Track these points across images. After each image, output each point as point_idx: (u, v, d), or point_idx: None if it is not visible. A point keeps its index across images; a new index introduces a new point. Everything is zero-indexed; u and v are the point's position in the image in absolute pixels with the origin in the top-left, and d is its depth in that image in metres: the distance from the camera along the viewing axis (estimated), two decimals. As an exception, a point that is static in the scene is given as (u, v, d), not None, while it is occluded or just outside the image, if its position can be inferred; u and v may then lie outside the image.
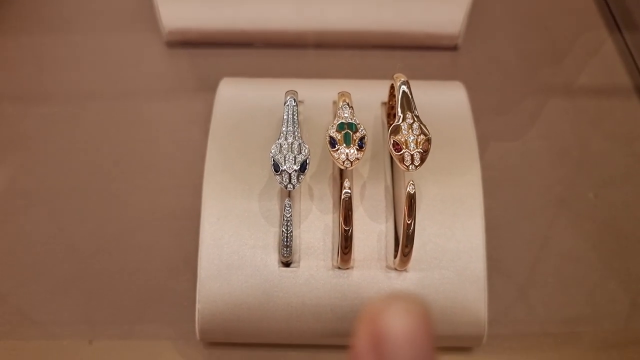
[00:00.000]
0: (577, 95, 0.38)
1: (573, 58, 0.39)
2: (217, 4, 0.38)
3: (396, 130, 0.25)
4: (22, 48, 0.39)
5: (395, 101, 0.29)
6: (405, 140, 0.25)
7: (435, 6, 0.38)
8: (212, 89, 0.37)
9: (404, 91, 0.26)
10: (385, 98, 0.31)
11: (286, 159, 0.25)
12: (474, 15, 0.39)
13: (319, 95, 0.31)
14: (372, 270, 0.27)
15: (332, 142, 0.25)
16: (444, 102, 0.31)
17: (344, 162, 0.25)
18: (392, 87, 0.29)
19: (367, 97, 0.31)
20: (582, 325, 0.31)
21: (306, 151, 0.25)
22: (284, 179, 0.25)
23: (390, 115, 0.31)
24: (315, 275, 0.27)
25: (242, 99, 0.31)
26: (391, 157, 0.29)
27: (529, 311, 0.31)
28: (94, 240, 0.32)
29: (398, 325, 0.13)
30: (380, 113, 0.31)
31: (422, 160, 0.25)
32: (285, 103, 0.27)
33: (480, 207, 0.28)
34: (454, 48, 0.40)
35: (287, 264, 0.27)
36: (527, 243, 0.33)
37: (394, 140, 0.25)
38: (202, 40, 0.39)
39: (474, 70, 0.39)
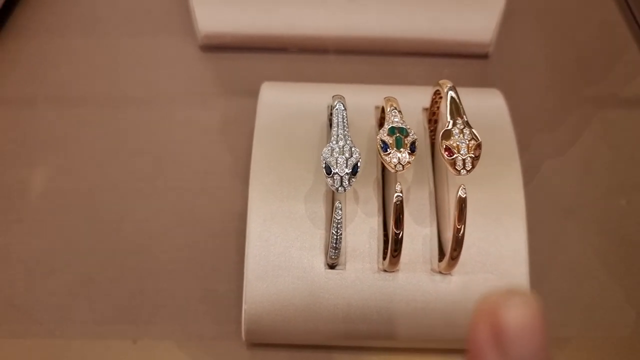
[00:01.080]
0: (607, 104, 0.39)
1: (603, 68, 0.40)
2: (252, 9, 0.38)
3: (447, 135, 0.25)
4: (58, 50, 0.39)
5: (437, 107, 0.30)
6: (457, 145, 0.25)
7: (468, 14, 0.38)
8: (246, 92, 0.38)
9: (452, 96, 0.27)
10: (425, 104, 0.31)
11: (338, 162, 0.25)
12: (505, 24, 0.39)
13: (360, 100, 0.31)
14: (417, 273, 0.27)
15: (384, 146, 0.25)
16: (483, 108, 0.32)
17: (395, 165, 0.25)
18: (435, 93, 0.30)
19: (408, 103, 0.31)
20: (590, 332, 0.31)
21: (357, 154, 0.26)
22: (335, 181, 0.25)
23: (432, 121, 0.31)
24: (361, 278, 0.27)
25: (284, 103, 0.32)
26: (433, 162, 0.30)
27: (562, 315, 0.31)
28: (134, 240, 0.32)
29: (519, 317, 0.13)
30: (421, 118, 0.31)
31: (474, 165, 0.25)
32: (334, 107, 0.27)
33: (523, 211, 0.29)
34: (484, 56, 0.40)
35: (332, 266, 0.28)
36: (542, 248, 0.33)
37: (446, 145, 0.25)
38: (236, 44, 0.39)
39: (504, 78, 0.40)
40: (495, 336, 0.14)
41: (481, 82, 0.40)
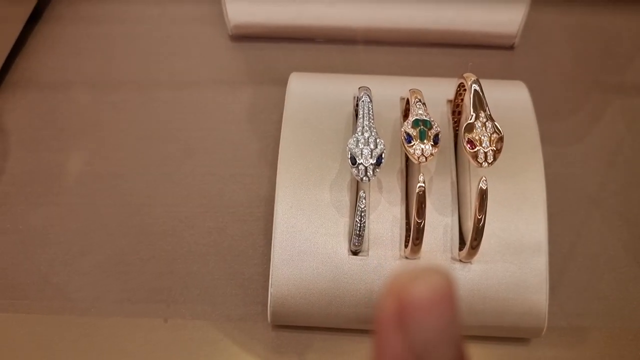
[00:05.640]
0: (632, 94, 0.39)
1: (630, 59, 0.40)
2: (282, 0, 0.39)
3: (470, 128, 0.26)
4: (93, 38, 0.41)
5: (461, 100, 0.31)
6: (480, 138, 0.26)
7: (494, 5, 0.39)
8: (274, 81, 0.39)
9: (475, 90, 0.27)
10: (450, 95, 0.32)
11: (363, 152, 0.26)
12: (531, 15, 0.40)
13: (386, 91, 0.32)
14: (437, 261, 0.28)
15: (408, 138, 0.26)
16: (506, 100, 0.32)
17: (418, 157, 0.26)
18: (459, 85, 0.30)
19: (433, 94, 0.32)
20: (609, 322, 0.31)
21: (382, 145, 0.26)
22: (360, 171, 0.26)
23: (455, 112, 0.32)
24: (383, 264, 0.28)
25: (311, 93, 0.33)
26: (456, 153, 0.31)
27: (579, 305, 0.32)
28: (165, 223, 0.34)
29: (422, 293, 0.13)
30: (446, 110, 0.32)
31: (495, 158, 0.26)
32: (360, 99, 0.28)
33: (544, 203, 0.29)
34: (510, 47, 0.40)
35: (355, 253, 0.29)
36: (565, 238, 0.33)
37: (468, 138, 0.26)
38: (265, 34, 0.40)
39: (530, 69, 0.40)
40: (399, 314, 0.13)
41: (507, 73, 0.40)
